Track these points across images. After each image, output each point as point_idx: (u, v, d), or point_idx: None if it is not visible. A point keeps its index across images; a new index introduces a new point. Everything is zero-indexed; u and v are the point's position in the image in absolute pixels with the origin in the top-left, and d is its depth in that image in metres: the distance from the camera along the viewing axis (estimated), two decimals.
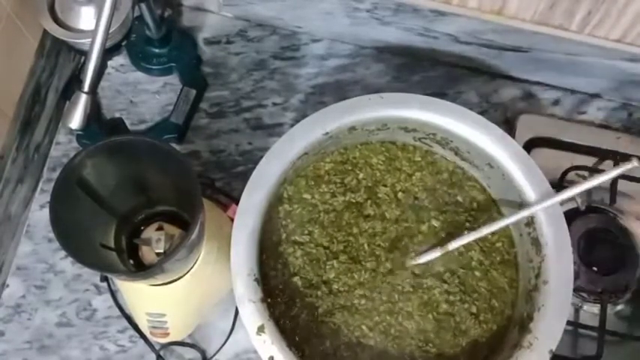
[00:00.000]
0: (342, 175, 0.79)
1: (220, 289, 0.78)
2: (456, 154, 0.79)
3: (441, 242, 0.74)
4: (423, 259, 0.74)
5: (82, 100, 0.69)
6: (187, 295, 0.72)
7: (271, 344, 0.66)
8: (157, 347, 0.80)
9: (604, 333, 0.78)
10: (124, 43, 0.82)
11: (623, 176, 0.83)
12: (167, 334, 0.74)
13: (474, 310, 0.74)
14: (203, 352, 0.81)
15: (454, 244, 0.72)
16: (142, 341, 0.81)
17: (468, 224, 0.77)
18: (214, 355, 0.81)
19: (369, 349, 0.72)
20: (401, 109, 0.76)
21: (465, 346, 0.73)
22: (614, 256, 0.82)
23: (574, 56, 0.86)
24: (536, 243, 0.72)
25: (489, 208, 0.78)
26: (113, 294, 0.82)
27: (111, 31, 0.69)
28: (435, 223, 0.77)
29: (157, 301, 0.72)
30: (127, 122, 0.90)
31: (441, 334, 0.73)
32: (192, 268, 0.70)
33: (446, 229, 0.77)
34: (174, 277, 0.69)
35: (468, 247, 0.76)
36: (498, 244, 0.77)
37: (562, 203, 0.69)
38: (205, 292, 0.75)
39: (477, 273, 0.76)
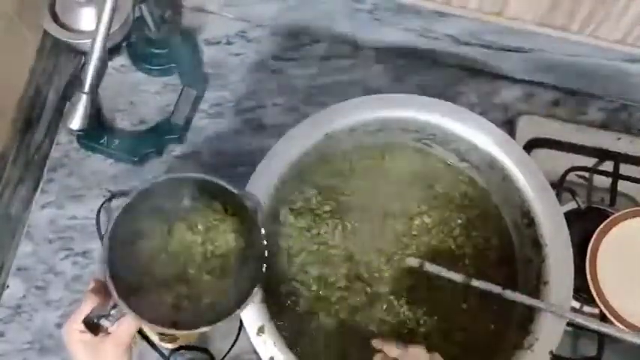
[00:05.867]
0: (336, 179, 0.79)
1: None
2: (457, 155, 0.79)
3: (433, 257, 0.75)
4: (413, 262, 0.74)
5: (83, 101, 0.69)
6: None
7: (272, 345, 0.66)
8: (167, 353, 0.79)
9: (604, 334, 0.78)
10: (124, 44, 0.82)
11: (623, 177, 0.84)
12: (176, 339, 0.74)
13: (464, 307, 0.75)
14: (212, 356, 0.81)
15: (451, 276, 0.72)
16: (144, 342, 0.80)
17: (460, 221, 0.78)
18: (224, 357, 0.80)
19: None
20: (401, 110, 0.76)
21: (462, 344, 0.74)
22: None
23: (575, 57, 0.85)
24: (536, 244, 0.72)
25: (487, 208, 0.79)
26: None
27: (111, 31, 0.69)
28: (426, 219, 0.77)
29: None
30: (127, 123, 0.90)
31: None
32: None
33: (438, 227, 0.77)
34: None
35: (461, 244, 0.77)
36: (494, 242, 0.78)
37: (562, 204, 0.69)
38: None
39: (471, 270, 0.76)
